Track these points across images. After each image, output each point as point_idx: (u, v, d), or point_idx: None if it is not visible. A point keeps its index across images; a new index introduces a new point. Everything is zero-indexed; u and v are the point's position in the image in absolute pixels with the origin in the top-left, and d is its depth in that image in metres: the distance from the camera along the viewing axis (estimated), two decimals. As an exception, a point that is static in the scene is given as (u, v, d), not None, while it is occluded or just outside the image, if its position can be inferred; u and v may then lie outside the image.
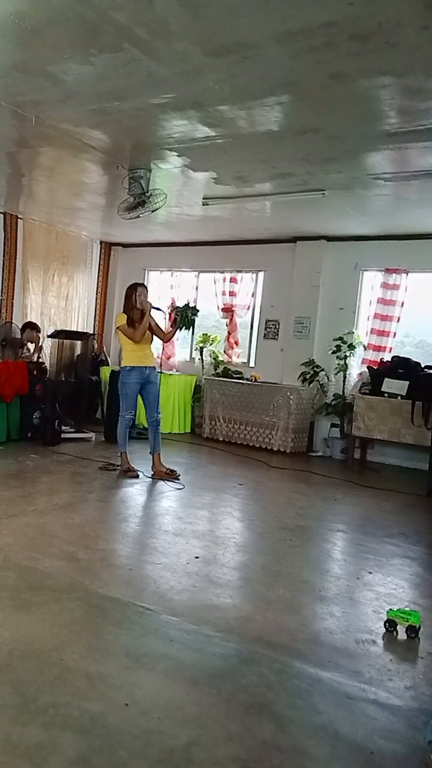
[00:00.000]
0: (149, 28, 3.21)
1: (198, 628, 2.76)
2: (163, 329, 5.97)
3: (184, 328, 6.03)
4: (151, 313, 5.77)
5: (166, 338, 6.12)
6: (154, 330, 5.84)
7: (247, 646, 2.64)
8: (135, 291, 5.77)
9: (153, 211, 6.01)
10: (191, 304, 6.20)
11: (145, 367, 5.72)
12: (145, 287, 5.91)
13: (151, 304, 5.78)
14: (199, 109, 4.24)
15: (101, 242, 10.06)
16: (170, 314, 6.30)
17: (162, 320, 6.03)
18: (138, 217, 6.07)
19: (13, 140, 5.31)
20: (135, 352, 5.71)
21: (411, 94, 3.72)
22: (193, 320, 6.02)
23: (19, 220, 8.61)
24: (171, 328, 6.02)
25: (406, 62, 3.33)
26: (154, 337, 5.87)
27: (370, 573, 3.74)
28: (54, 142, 5.21)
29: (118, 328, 5.75)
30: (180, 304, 6.34)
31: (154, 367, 5.82)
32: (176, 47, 3.38)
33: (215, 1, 2.91)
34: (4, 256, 8.53)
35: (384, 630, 2.92)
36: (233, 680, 2.35)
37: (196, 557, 3.70)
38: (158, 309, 6.00)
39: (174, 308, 6.12)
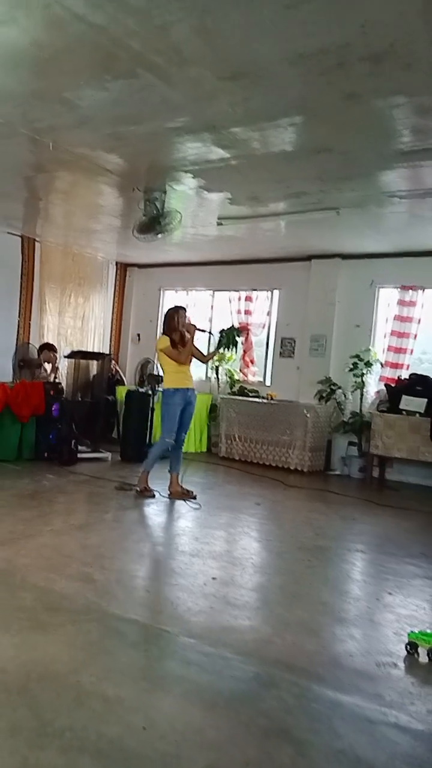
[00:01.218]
0: (163, 54, 3.27)
1: (216, 651, 2.73)
2: (203, 350, 6.01)
3: (227, 349, 6.04)
4: (196, 335, 5.80)
5: (206, 359, 6.18)
6: (194, 352, 5.86)
7: (266, 669, 2.60)
8: (177, 314, 5.78)
9: (169, 234, 6.08)
10: (235, 326, 6.24)
11: (188, 388, 5.73)
12: (185, 310, 5.92)
13: (195, 326, 5.82)
14: (213, 132, 4.30)
15: (117, 263, 10.16)
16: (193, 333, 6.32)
17: (198, 341, 6.06)
18: (154, 239, 6.14)
19: (30, 165, 5.41)
20: (177, 374, 5.71)
21: (424, 113, 3.74)
22: (237, 341, 6.07)
23: (36, 242, 8.74)
24: (215, 350, 6.05)
25: (419, 82, 3.36)
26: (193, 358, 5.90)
27: (390, 594, 3.68)
28: (70, 166, 5.30)
29: (161, 350, 5.73)
30: (225, 326, 6.34)
31: (194, 389, 5.84)
32: (190, 73, 3.44)
33: (228, 28, 2.96)
34: (21, 278, 8.66)
35: (405, 652, 2.86)
36: (252, 704, 2.32)
37: (214, 578, 3.67)
38: (204, 330, 6.07)
39: (219, 330, 6.13)
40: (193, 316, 9.04)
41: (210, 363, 9.06)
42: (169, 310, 5.91)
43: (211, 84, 3.56)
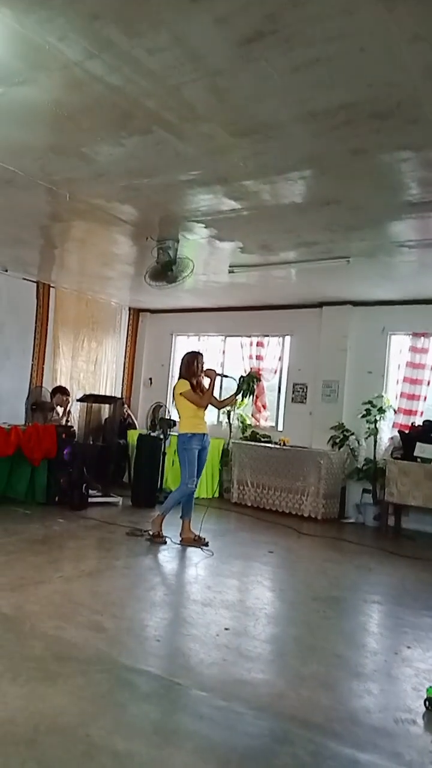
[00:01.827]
0: (177, 112, 3.40)
1: (229, 705, 2.66)
2: (219, 396, 6.05)
3: (244, 395, 6.08)
4: (216, 380, 5.85)
5: (221, 405, 6.22)
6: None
7: (281, 725, 2.53)
8: (196, 359, 5.87)
9: (181, 283, 6.19)
10: (253, 372, 6.28)
11: (203, 434, 5.77)
12: (203, 355, 6.00)
13: (215, 371, 5.88)
14: (225, 184, 4.42)
15: (130, 308, 10.32)
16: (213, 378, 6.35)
17: (217, 387, 6.09)
18: (166, 287, 6.25)
19: (47, 215, 5.58)
20: (194, 419, 5.74)
21: (431, 166, 3.83)
22: (254, 388, 6.10)
23: (51, 288, 8.93)
24: (233, 395, 6.05)
25: (425, 137, 3.45)
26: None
27: (408, 648, 3.58)
28: (85, 216, 5.45)
29: (181, 394, 5.75)
30: (244, 372, 6.40)
31: (208, 433, 5.87)
32: (203, 129, 3.57)
33: (240, 87, 3.09)
34: (36, 323, 8.81)
35: (424, 709, 2.77)
36: (266, 761, 2.25)
37: (226, 629, 3.60)
38: (226, 376, 6.14)
39: (238, 377, 6.16)
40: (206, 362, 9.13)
41: (223, 409, 9.12)
42: (187, 354, 5.98)
43: (223, 139, 3.68)
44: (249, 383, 5.94)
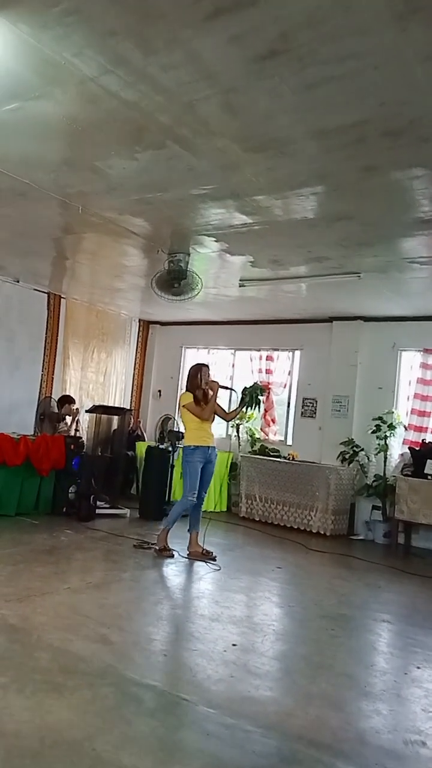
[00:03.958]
0: (191, 127, 3.43)
1: (236, 722, 2.63)
2: (226, 408, 6.02)
3: (249, 407, 6.06)
4: (219, 392, 5.83)
5: (229, 417, 6.19)
6: (216, 409, 5.87)
7: (288, 744, 2.50)
8: (200, 371, 5.85)
9: (189, 298, 6.21)
10: (258, 383, 6.24)
11: (208, 446, 5.74)
12: (209, 367, 5.98)
13: (218, 384, 5.86)
14: (237, 199, 4.45)
15: (140, 320, 10.36)
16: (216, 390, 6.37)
17: (221, 399, 6.07)
18: (173, 299, 6.27)
19: (59, 227, 5.63)
20: (198, 431, 5.73)
21: (443, 183, 3.85)
22: (260, 400, 6.07)
23: (62, 299, 8.98)
24: (237, 408, 6.02)
25: (438, 154, 3.47)
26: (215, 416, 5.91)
27: (418, 668, 3.54)
28: (97, 228, 5.49)
29: (184, 406, 5.77)
30: (248, 384, 6.36)
31: (215, 447, 5.84)
32: (216, 144, 3.60)
33: (253, 104, 3.12)
34: (46, 333, 8.86)
35: (434, 730, 2.73)
36: (273, 782, 2.22)
37: (234, 645, 3.57)
38: (227, 388, 6.10)
39: (242, 389, 6.15)
40: (214, 375, 9.12)
41: (232, 421, 9.11)
42: (192, 367, 5.98)
43: (235, 155, 3.71)
44: (252, 395, 5.91)
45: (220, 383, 5.93)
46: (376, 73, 2.75)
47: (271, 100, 3.05)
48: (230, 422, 8.59)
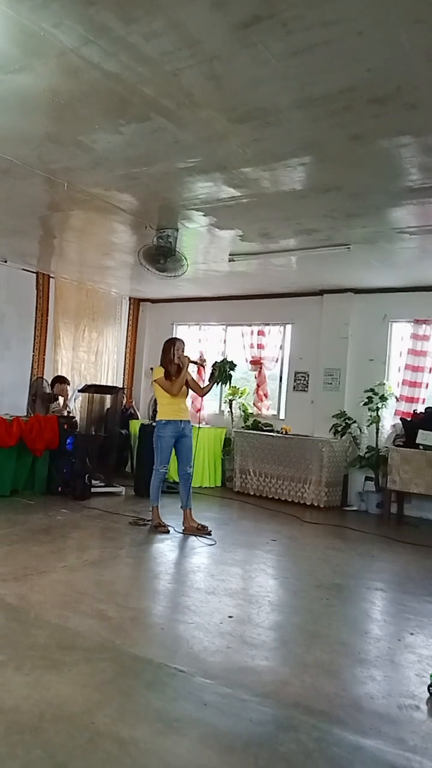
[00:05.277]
0: (175, 99, 3.37)
1: (233, 692, 2.67)
2: (199, 383, 6.03)
3: (221, 382, 6.06)
4: (189, 367, 5.83)
5: (202, 393, 6.17)
6: (191, 384, 5.89)
7: (285, 712, 2.54)
8: (173, 345, 5.84)
9: (173, 276, 6.16)
10: (228, 359, 6.23)
11: (180, 420, 5.74)
12: (183, 342, 5.97)
13: (189, 358, 5.85)
14: (224, 172, 4.39)
15: (130, 298, 10.30)
16: (200, 368, 6.39)
17: (195, 373, 6.07)
18: (159, 276, 6.22)
19: (45, 204, 5.55)
20: (170, 406, 5.74)
21: (431, 151, 3.80)
22: (230, 375, 6.06)
23: (50, 278, 8.90)
24: (208, 383, 6.03)
25: (425, 122, 3.42)
26: (190, 391, 5.92)
27: (411, 634, 3.59)
28: (84, 205, 5.42)
29: (155, 380, 5.81)
30: (217, 358, 6.36)
31: (188, 420, 5.85)
32: (201, 115, 3.54)
33: (238, 72, 3.05)
34: (36, 314, 8.80)
35: (428, 695, 2.78)
36: (270, 747, 2.26)
37: (230, 616, 3.62)
38: (197, 363, 6.09)
39: (212, 363, 6.15)
40: (205, 351, 9.11)
41: (225, 397, 9.12)
42: (165, 342, 5.97)
43: (221, 126, 3.65)
44: (221, 370, 5.92)
45: (191, 358, 5.91)
46: (362, 38, 2.70)
47: (255, 67, 2.99)
48: (223, 398, 8.61)
